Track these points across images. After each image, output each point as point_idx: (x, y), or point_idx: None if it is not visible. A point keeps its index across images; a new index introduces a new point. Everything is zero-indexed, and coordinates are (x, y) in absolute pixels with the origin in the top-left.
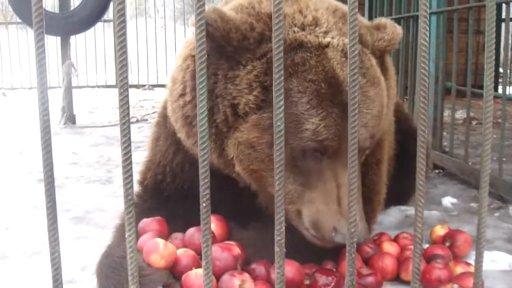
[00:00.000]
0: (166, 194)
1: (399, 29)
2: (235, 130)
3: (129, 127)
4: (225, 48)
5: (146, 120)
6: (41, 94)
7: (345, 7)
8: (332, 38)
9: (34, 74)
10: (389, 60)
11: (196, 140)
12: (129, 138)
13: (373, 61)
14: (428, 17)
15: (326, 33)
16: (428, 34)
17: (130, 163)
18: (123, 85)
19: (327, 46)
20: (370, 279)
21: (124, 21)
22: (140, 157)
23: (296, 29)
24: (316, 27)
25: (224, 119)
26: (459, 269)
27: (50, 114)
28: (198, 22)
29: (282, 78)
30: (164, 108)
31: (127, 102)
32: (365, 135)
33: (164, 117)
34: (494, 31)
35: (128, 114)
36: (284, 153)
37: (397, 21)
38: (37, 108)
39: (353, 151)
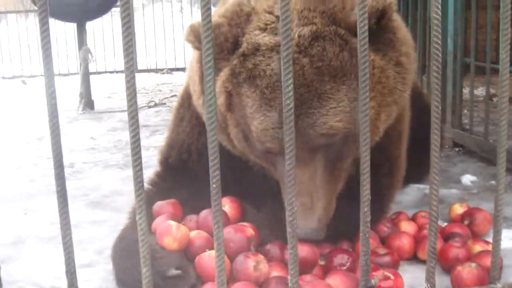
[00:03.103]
0: (193, 173)
1: None
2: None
3: (136, 109)
4: None
5: (164, 103)
6: (47, 78)
7: None
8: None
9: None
10: (398, 32)
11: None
12: (137, 120)
13: (350, 44)
14: None
15: None
16: (439, 8)
17: (139, 145)
18: (129, 67)
19: None
20: (387, 259)
21: (128, 2)
22: (158, 141)
23: (257, 32)
24: (278, 22)
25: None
26: (478, 247)
27: (56, 98)
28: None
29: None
30: (186, 90)
31: (134, 84)
32: (314, 134)
33: (187, 99)
34: (509, 3)
35: (135, 96)
36: (294, 132)
37: None
38: (44, 92)
39: (365, 134)
